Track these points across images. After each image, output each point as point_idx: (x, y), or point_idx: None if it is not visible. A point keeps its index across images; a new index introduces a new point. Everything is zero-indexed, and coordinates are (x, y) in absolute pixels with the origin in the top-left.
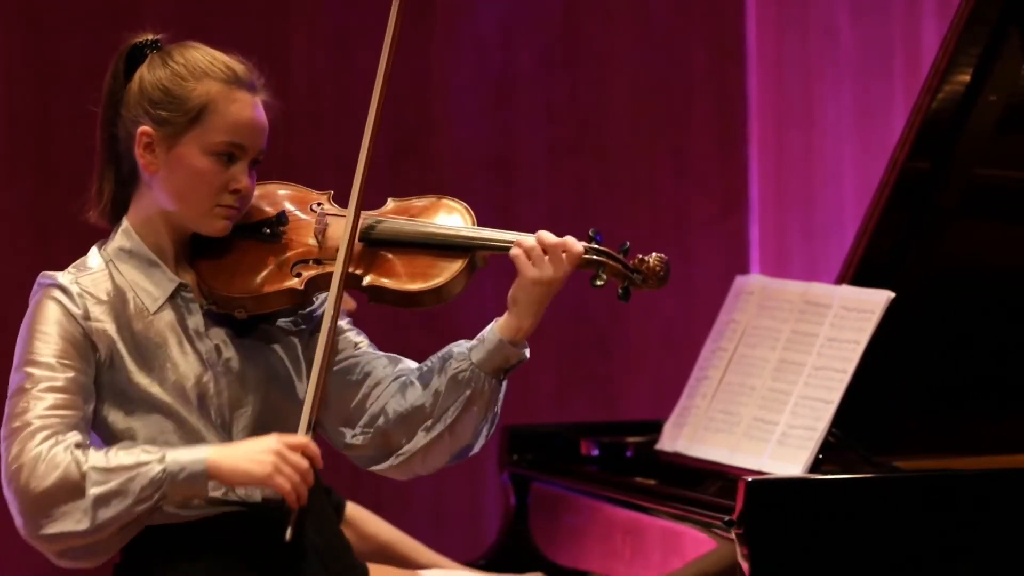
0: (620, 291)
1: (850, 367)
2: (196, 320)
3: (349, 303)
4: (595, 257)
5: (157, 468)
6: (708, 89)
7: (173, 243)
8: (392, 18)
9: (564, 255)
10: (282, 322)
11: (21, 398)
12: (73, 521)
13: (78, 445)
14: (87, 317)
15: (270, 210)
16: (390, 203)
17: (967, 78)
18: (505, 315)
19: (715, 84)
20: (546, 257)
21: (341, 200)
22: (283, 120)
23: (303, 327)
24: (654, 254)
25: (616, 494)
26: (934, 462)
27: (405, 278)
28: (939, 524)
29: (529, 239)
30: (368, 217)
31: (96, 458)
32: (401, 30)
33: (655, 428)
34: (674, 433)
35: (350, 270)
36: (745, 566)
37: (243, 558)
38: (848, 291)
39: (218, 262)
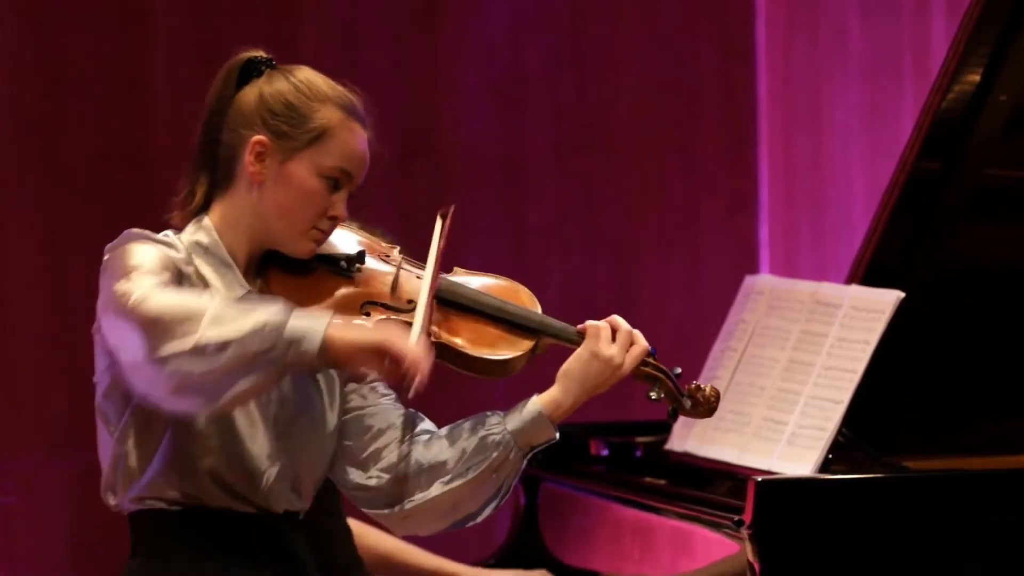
0: (671, 411)
1: (860, 367)
2: None
3: None
4: (654, 372)
5: (278, 316)
6: (717, 89)
7: (249, 251)
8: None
9: (632, 345)
10: None
11: (130, 281)
12: (190, 340)
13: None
14: (189, 263)
15: (347, 247)
16: (458, 271)
17: (977, 78)
18: (549, 390)
19: (724, 84)
20: (614, 342)
21: (409, 254)
22: None
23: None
24: (709, 385)
25: (626, 494)
26: (943, 462)
27: (475, 344)
28: (948, 524)
29: (599, 323)
30: (444, 279)
31: (225, 304)
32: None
33: (665, 428)
34: (683, 433)
35: (439, 339)
36: (755, 566)
37: (258, 562)
38: (858, 291)
39: (291, 281)
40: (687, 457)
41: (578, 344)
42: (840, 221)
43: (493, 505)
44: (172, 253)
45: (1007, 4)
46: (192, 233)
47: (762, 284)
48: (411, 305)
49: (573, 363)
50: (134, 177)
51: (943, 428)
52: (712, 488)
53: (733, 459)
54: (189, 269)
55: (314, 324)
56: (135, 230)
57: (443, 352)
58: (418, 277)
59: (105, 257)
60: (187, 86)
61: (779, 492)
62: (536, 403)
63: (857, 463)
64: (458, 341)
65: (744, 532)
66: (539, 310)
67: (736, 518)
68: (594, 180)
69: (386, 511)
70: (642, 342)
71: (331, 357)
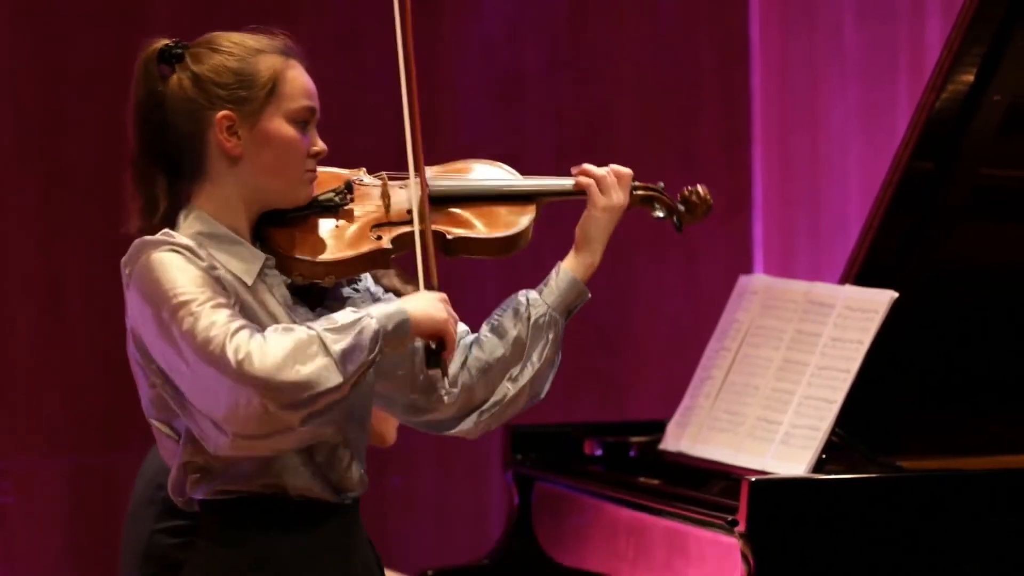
0: (675, 222)
1: (854, 367)
2: (284, 293)
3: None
4: (646, 193)
5: (373, 324)
6: (714, 90)
7: (249, 224)
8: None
9: (619, 179)
10: (333, 303)
11: (196, 317)
12: (325, 378)
13: (283, 327)
14: (213, 267)
15: (323, 188)
16: (430, 171)
17: (971, 78)
18: (572, 255)
19: (721, 84)
20: (613, 188)
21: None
22: None
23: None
24: (698, 186)
25: (620, 494)
26: (938, 462)
27: (490, 227)
28: (943, 524)
29: (597, 170)
30: (430, 184)
31: (314, 324)
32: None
33: (659, 428)
34: (678, 433)
35: (434, 228)
36: (749, 566)
37: (332, 549)
38: (852, 291)
39: (295, 234)
40: (681, 457)
41: (575, 194)
42: (835, 221)
43: (551, 378)
44: (197, 260)
45: (1002, 4)
46: (189, 227)
47: (756, 284)
48: (409, 215)
49: (590, 224)
50: None
51: (937, 428)
52: (706, 488)
53: (727, 459)
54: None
55: (395, 309)
56: (148, 238)
57: (465, 247)
58: (401, 187)
59: (126, 271)
60: None
61: (773, 492)
62: (569, 271)
63: (851, 463)
64: (473, 232)
65: (737, 532)
66: (517, 174)
67: (730, 518)
68: None
69: (463, 425)
70: (626, 170)
71: (418, 331)
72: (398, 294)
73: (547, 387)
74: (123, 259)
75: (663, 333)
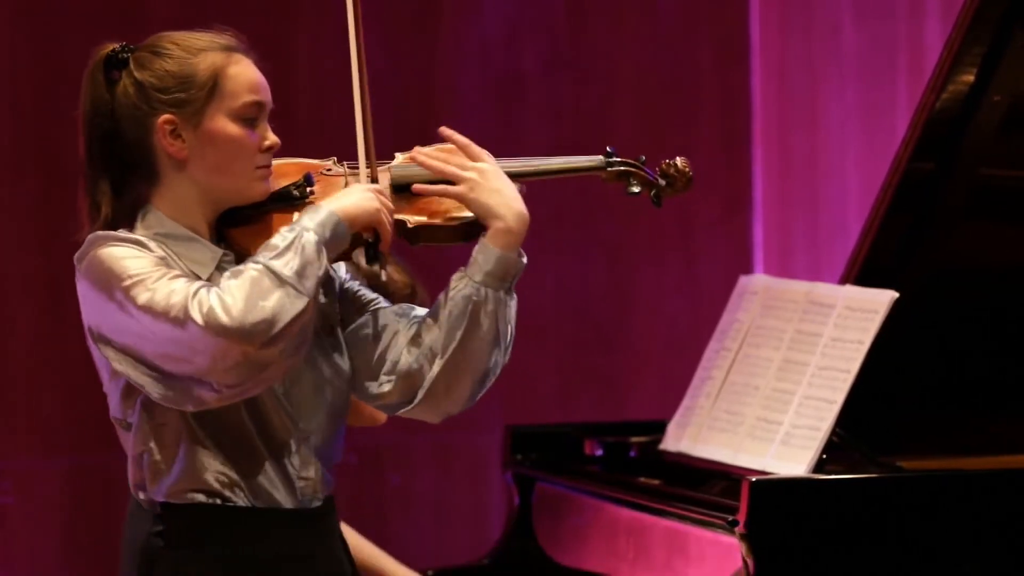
0: (652, 197)
1: (854, 367)
2: None
3: None
4: (622, 168)
5: (311, 234)
6: (713, 90)
7: (207, 222)
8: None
9: (464, 151)
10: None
11: (154, 292)
12: (290, 305)
13: (232, 271)
14: (165, 258)
15: (287, 180)
16: (398, 157)
17: (971, 78)
18: (489, 228)
19: (720, 85)
20: (466, 167)
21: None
22: (288, 118)
23: (334, 292)
24: (678, 158)
25: (620, 494)
26: (938, 462)
27: (446, 214)
28: (943, 524)
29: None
30: (393, 167)
31: (262, 256)
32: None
33: (659, 428)
34: (678, 433)
35: (395, 216)
36: (749, 566)
37: (294, 552)
38: (852, 291)
39: (254, 230)
40: (681, 457)
41: (546, 174)
42: (835, 221)
43: (499, 354)
44: (152, 248)
45: (1001, 4)
46: (146, 227)
47: (756, 284)
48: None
49: (473, 207)
50: None
51: (937, 428)
52: (706, 488)
53: (727, 459)
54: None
55: (325, 215)
56: (100, 233)
57: (427, 234)
58: (370, 179)
59: (79, 266)
60: None
61: (773, 492)
62: (485, 243)
63: (851, 463)
64: (433, 219)
65: (738, 532)
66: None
67: (730, 518)
68: (591, 179)
69: (411, 407)
70: (463, 141)
71: (353, 228)
72: (396, 288)
73: (493, 364)
74: (76, 255)
75: (663, 333)
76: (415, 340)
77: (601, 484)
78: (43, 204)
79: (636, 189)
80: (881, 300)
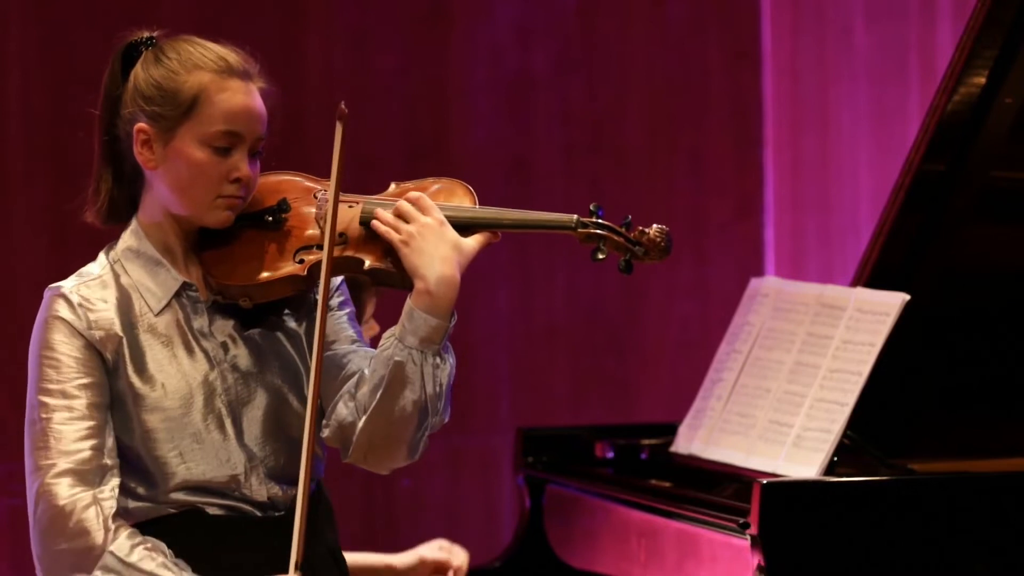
0: (621, 264)
1: (865, 369)
2: (201, 320)
3: (374, 327)
4: (595, 231)
5: None
6: (724, 91)
7: (181, 240)
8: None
9: (415, 203)
10: (288, 315)
11: (41, 433)
12: None
13: (111, 507)
14: (90, 327)
15: (271, 199)
16: (392, 187)
17: (983, 80)
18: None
19: (731, 86)
20: (405, 221)
21: (343, 187)
22: (297, 119)
23: (310, 317)
24: (655, 225)
25: (631, 496)
26: (949, 465)
27: (396, 261)
28: (954, 527)
29: (383, 219)
30: (367, 201)
31: (121, 545)
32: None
33: (670, 430)
34: (689, 435)
35: (351, 254)
36: (760, 568)
37: (258, 560)
38: (863, 293)
39: (221, 252)
40: (692, 459)
41: (521, 227)
42: (846, 223)
43: (427, 416)
44: (76, 322)
45: (1013, 7)
46: (126, 240)
47: (767, 286)
48: (343, 239)
49: (403, 261)
50: None
51: (949, 430)
52: (718, 490)
53: (738, 461)
54: (105, 294)
55: None
56: (49, 291)
57: (381, 278)
58: (349, 206)
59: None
60: None
61: (785, 494)
62: (408, 303)
63: (863, 466)
64: (389, 264)
65: (749, 535)
66: (473, 200)
67: (742, 520)
68: (602, 181)
69: (349, 457)
70: (414, 195)
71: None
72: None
73: (422, 423)
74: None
75: (674, 335)
76: (351, 390)
77: (612, 486)
78: (54, 207)
79: (602, 256)
80: (893, 302)
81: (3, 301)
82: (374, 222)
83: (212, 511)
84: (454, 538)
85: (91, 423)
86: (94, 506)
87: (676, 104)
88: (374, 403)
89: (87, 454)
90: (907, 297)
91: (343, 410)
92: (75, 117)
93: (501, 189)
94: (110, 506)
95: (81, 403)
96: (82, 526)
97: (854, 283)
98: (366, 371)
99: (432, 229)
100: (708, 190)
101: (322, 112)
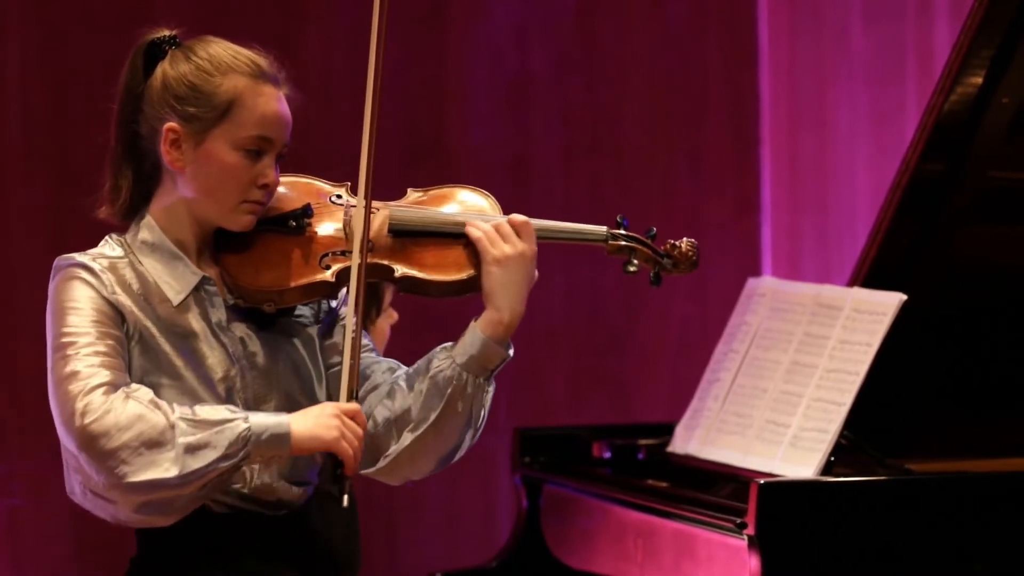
0: (652, 276)
1: (862, 369)
2: (219, 314)
3: (392, 316)
4: (625, 243)
5: (243, 425)
6: (722, 92)
7: (196, 237)
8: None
9: (518, 229)
10: (301, 317)
11: (67, 362)
12: (161, 469)
13: (151, 399)
14: (113, 292)
15: (293, 203)
16: (410, 194)
17: (979, 80)
18: (485, 312)
19: (729, 87)
20: (503, 240)
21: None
22: (298, 117)
23: (322, 320)
24: (685, 239)
25: (628, 496)
26: (947, 465)
27: (437, 268)
28: (951, 527)
29: (482, 224)
30: (392, 208)
31: (182, 410)
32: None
33: (667, 430)
34: (686, 435)
35: (381, 261)
36: (757, 568)
37: (263, 558)
38: (860, 293)
39: (244, 256)
40: (689, 459)
41: (549, 237)
42: (844, 223)
43: (469, 435)
44: (98, 285)
45: (1010, 7)
46: (137, 233)
47: (764, 286)
48: (370, 245)
49: (486, 279)
50: None
51: (946, 430)
52: (715, 490)
53: (735, 461)
54: (126, 273)
55: (276, 424)
56: (63, 261)
57: (413, 286)
58: (373, 212)
59: (51, 283)
60: None
61: (782, 494)
62: (476, 328)
63: (860, 466)
64: (421, 272)
65: (746, 535)
66: (498, 209)
67: (739, 520)
68: (601, 182)
69: (372, 468)
70: (521, 218)
71: (301, 452)
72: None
73: (463, 444)
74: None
75: (671, 336)
76: (387, 405)
77: (609, 486)
78: (53, 207)
79: (633, 268)
80: (889, 302)
81: (2, 301)
82: (468, 227)
83: (218, 509)
84: (452, 538)
85: (115, 359)
86: (130, 398)
87: (674, 104)
88: (427, 423)
89: (116, 376)
90: (904, 297)
91: (373, 425)
92: (75, 120)
93: (500, 189)
94: (146, 392)
95: (106, 343)
96: (134, 411)
97: (851, 283)
98: (401, 383)
99: (527, 259)
100: (706, 190)
101: (322, 112)
